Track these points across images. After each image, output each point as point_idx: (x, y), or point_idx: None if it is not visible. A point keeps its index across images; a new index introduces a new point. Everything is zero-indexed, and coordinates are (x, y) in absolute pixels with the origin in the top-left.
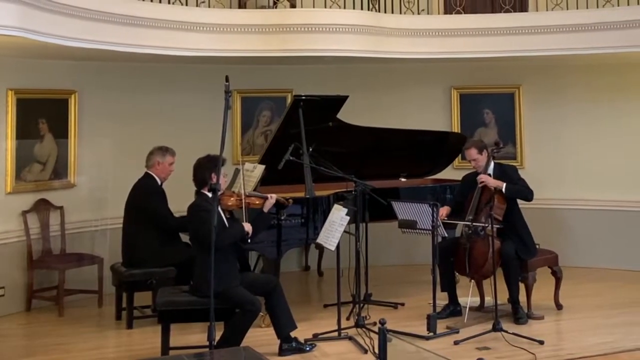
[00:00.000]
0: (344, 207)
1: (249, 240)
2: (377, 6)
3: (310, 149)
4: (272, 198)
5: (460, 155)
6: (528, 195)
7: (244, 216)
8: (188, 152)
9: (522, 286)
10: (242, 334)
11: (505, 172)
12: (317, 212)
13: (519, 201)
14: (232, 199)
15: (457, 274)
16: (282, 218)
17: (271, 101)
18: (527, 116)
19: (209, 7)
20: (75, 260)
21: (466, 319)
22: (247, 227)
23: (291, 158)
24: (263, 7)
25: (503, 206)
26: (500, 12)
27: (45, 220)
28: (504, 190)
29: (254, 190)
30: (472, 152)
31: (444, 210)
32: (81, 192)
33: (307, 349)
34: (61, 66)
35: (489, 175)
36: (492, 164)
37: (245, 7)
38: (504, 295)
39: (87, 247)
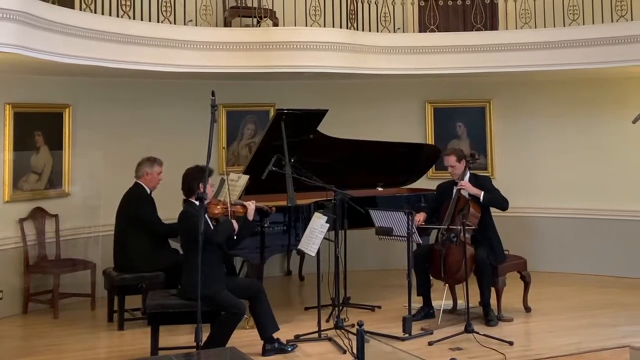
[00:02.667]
0: (324, 215)
1: (235, 237)
2: (355, 25)
3: (292, 160)
4: (252, 204)
5: (434, 166)
6: (503, 204)
7: None
8: (176, 163)
9: (492, 290)
10: (227, 335)
11: (481, 183)
12: (298, 219)
13: (492, 209)
14: (218, 207)
15: (432, 278)
16: (266, 225)
17: (255, 115)
18: (497, 129)
19: (196, 25)
20: (69, 265)
21: (440, 321)
22: (234, 224)
23: (274, 168)
24: (247, 25)
25: (478, 214)
26: (472, 30)
27: (41, 228)
28: (481, 198)
29: (239, 199)
30: (451, 159)
31: (420, 216)
32: (75, 201)
33: (289, 349)
34: (56, 81)
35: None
36: (467, 174)
37: (230, 26)
38: (475, 299)
39: (81, 252)
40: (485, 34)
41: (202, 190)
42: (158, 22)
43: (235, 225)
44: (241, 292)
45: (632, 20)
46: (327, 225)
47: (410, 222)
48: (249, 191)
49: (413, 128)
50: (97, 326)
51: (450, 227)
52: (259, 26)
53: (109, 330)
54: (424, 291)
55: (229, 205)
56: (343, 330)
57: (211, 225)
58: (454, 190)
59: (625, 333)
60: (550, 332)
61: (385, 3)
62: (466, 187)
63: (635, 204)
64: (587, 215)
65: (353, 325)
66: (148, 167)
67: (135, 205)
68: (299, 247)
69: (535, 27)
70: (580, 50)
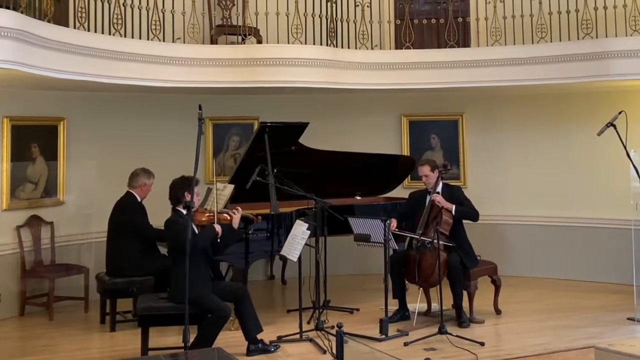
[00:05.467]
0: (305, 222)
1: (219, 240)
2: (334, 42)
3: (275, 170)
4: (238, 212)
5: (409, 176)
6: (475, 216)
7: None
8: (165, 173)
9: (465, 293)
10: (213, 336)
11: (453, 192)
12: (281, 227)
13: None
14: (204, 215)
15: (407, 282)
16: (250, 232)
17: (240, 127)
18: (469, 141)
19: (184, 43)
20: (64, 270)
21: (415, 322)
22: (217, 227)
23: (258, 178)
24: (233, 43)
25: (450, 221)
26: (446, 47)
27: (37, 234)
28: (453, 212)
29: (225, 207)
30: (425, 169)
31: (394, 222)
32: (69, 209)
33: (272, 349)
34: (51, 96)
35: (438, 193)
36: (440, 184)
37: (216, 43)
38: (448, 302)
39: (75, 258)
40: (458, 51)
41: (188, 199)
42: (148, 39)
43: (218, 228)
44: (227, 295)
45: (597, 37)
46: (308, 232)
47: (387, 229)
48: (235, 200)
49: (389, 140)
50: (90, 328)
51: (424, 234)
52: (244, 43)
53: (102, 332)
54: (400, 294)
55: (215, 213)
56: (323, 332)
57: (196, 231)
58: (427, 199)
59: (590, 334)
60: (520, 333)
61: (363, 22)
62: (440, 201)
63: (599, 212)
64: (554, 223)
65: (333, 327)
66: (145, 178)
67: (127, 213)
68: (282, 252)
69: (505, 45)
70: (548, 66)
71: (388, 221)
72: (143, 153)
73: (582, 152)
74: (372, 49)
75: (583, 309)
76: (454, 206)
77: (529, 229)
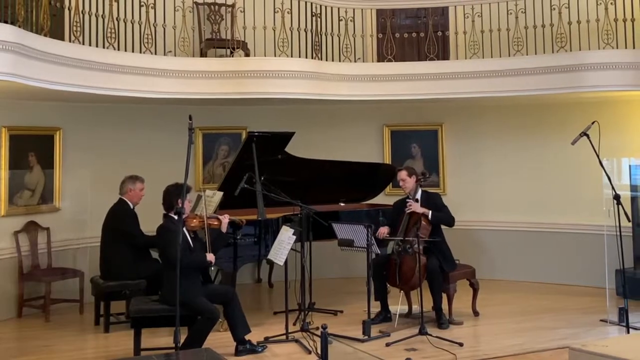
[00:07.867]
0: (291, 228)
1: (212, 268)
2: (319, 55)
3: (262, 178)
4: (226, 218)
5: (391, 183)
6: (450, 222)
7: (205, 236)
8: (157, 181)
9: (444, 296)
10: (203, 337)
11: (431, 199)
12: (268, 232)
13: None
14: (194, 220)
15: (388, 285)
16: (238, 237)
17: (228, 137)
18: (449, 150)
19: (175, 56)
20: (59, 273)
21: (396, 324)
22: (210, 257)
23: (246, 186)
24: (221, 56)
25: (429, 227)
26: (426, 60)
27: (34, 239)
28: (430, 217)
29: (214, 213)
30: (402, 174)
31: (385, 229)
32: (65, 215)
33: (260, 350)
34: (48, 107)
35: (417, 200)
36: (419, 191)
37: (206, 56)
38: (428, 304)
39: (70, 262)
40: (437, 64)
41: (180, 205)
42: (140, 52)
43: (210, 257)
44: (216, 297)
45: (571, 51)
46: (294, 237)
47: (369, 235)
48: (223, 206)
49: (372, 149)
50: (85, 329)
51: (406, 238)
52: (232, 56)
53: (96, 333)
54: (382, 297)
55: (205, 218)
56: (308, 333)
57: (189, 238)
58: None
59: (565, 335)
60: (497, 335)
61: (346, 35)
62: (414, 208)
63: (573, 218)
64: (530, 228)
65: (317, 328)
66: (130, 184)
67: (119, 220)
68: (269, 257)
69: (483, 57)
70: (524, 78)
71: (372, 227)
72: (135, 161)
73: (556, 161)
74: (355, 61)
75: (558, 311)
76: (430, 212)
77: (506, 234)
